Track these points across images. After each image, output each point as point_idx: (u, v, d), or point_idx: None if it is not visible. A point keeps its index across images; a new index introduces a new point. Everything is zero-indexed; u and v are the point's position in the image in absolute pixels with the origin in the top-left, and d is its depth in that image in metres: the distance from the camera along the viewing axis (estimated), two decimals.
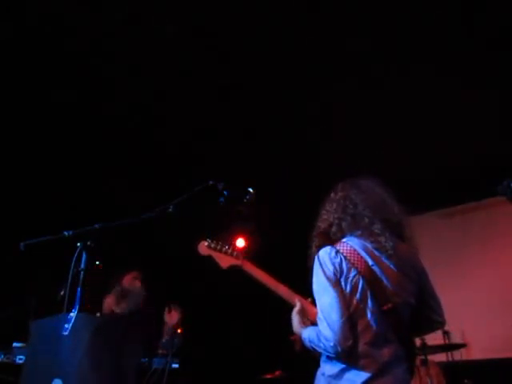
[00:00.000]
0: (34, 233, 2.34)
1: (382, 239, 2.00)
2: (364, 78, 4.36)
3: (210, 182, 2.27)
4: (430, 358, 4.64)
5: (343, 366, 1.88)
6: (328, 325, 1.86)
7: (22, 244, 2.19)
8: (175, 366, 3.72)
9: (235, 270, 2.42)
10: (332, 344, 1.83)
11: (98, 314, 3.39)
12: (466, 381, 4.76)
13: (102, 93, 4.44)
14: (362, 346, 1.87)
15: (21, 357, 3.69)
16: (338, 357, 1.87)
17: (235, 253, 2.42)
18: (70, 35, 3.80)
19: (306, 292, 2.22)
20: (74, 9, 3.56)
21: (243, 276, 2.39)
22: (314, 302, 2.10)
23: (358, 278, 1.93)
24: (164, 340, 3.53)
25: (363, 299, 1.92)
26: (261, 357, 6.02)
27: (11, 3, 3.50)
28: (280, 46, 3.99)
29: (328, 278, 1.93)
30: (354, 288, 1.92)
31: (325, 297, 1.91)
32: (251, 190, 2.26)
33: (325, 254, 2.00)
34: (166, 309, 3.53)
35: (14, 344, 3.78)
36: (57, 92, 4.38)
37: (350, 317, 1.88)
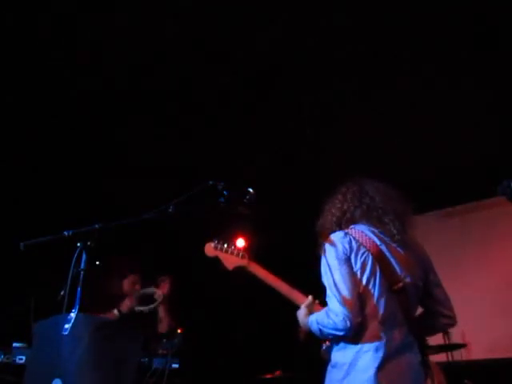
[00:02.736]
0: (34, 233, 2.34)
1: (391, 227, 2.04)
2: (364, 78, 4.36)
3: (210, 182, 2.27)
4: (430, 358, 4.60)
5: (356, 350, 1.87)
6: (338, 301, 1.87)
7: (22, 244, 2.19)
8: (175, 365, 3.73)
9: (238, 271, 2.41)
10: (341, 318, 1.83)
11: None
12: (466, 381, 4.74)
13: (102, 92, 4.44)
14: (372, 327, 1.88)
15: (21, 357, 3.68)
16: (347, 333, 1.85)
17: (241, 253, 2.41)
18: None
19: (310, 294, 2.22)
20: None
21: (243, 277, 2.38)
22: (321, 304, 2.10)
23: (368, 256, 1.97)
24: (164, 340, 3.53)
25: (373, 277, 1.94)
26: (261, 357, 6.01)
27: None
28: (280, 45, 3.99)
29: (337, 257, 1.97)
30: (364, 265, 1.95)
31: (335, 275, 1.93)
32: (251, 190, 2.26)
33: (334, 237, 2.05)
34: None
35: (14, 344, 3.78)
36: (57, 92, 4.37)
37: (360, 294, 1.90)
